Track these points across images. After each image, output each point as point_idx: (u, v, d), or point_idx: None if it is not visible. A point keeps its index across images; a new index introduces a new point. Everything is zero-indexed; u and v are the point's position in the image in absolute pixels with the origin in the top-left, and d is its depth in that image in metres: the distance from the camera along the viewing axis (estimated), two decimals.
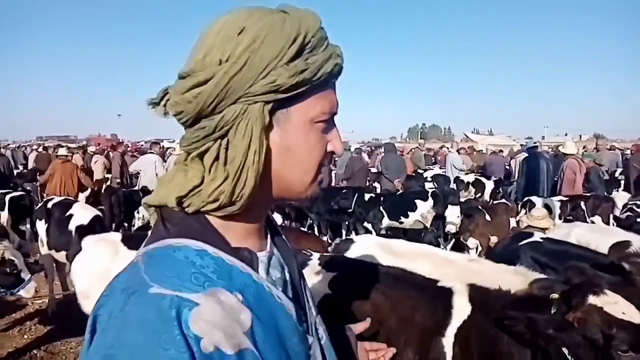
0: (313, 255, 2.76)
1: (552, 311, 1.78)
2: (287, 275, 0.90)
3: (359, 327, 1.37)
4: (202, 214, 0.79)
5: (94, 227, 5.49)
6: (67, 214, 5.73)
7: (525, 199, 7.62)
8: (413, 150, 17.88)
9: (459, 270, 2.61)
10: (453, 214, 7.21)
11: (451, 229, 7.24)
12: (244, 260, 0.79)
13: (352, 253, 3.36)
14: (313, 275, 2.53)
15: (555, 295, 1.79)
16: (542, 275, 2.23)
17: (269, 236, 0.92)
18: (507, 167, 14.53)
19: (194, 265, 0.72)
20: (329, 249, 4.98)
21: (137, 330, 0.63)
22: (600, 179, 9.93)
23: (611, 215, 7.53)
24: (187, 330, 0.64)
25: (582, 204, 7.49)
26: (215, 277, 0.72)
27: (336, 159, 11.29)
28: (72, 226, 5.61)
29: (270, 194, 0.83)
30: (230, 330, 0.68)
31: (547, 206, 7.12)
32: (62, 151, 9.84)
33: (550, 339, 1.73)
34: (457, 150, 14.31)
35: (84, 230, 5.37)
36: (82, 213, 5.76)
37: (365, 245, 3.43)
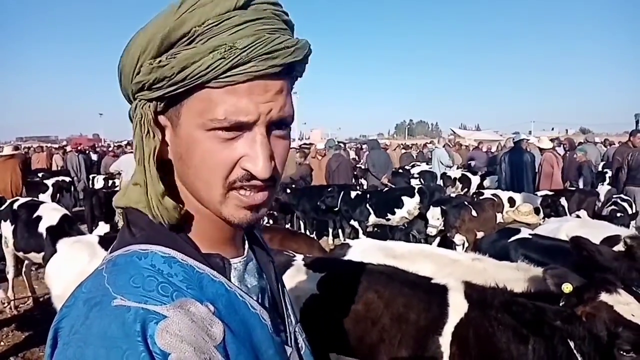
0: (297, 256, 2.69)
1: (561, 303, 1.77)
2: (265, 282, 0.85)
3: None
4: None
5: (63, 226, 5.45)
6: (35, 215, 5.70)
7: (508, 195, 7.62)
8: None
9: (464, 270, 2.57)
10: (433, 216, 7.15)
11: (431, 231, 7.20)
12: (216, 267, 0.73)
13: (350, 257, 3.27)
14: (299, 276, 2.47)
15: (568, 285, 1.78)
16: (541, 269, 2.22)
17: (246, 241, 0.86)
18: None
19: (161, 274, 0.67)
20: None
21: (98, 345, 0.58)
22: (592, 173, 10.05)
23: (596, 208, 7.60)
24: (153, 346, 0.59)
25: (567, 197, 7.53)
26: (184, 287, 0.67)
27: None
28: (42, 228, 5.56)
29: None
30: (201, 344, 0.63)
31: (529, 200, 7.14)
32: (6, 150, 9.74)
33: (556, 330, 1.72)
34: (444, 146, 14.34)
35: (54, 231, 5.33)
36: (50, 214, 5.69)
37: (363, 249, 3.35)
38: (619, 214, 6.75)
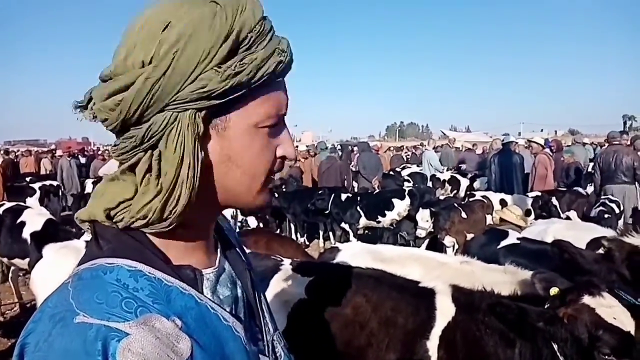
0: (284, 261, 2.68)
1: (546, 306, 1.78)
2: (240, 291, 0.83)
3: None
4: (137, 229, 0.71)
5: (48, 230, 5.42)
6: (19, 220, 5.66)
7: (499, 197, 7.66)
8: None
9: (452, 273, 2.58)
10: (422, 218, 7.17)
11: (420, 233, 7.21)
12: (186, 279, 0.71)
13: (340, 261, 3.26)
14: (287, 281, 2.45)
15: (555, 289, 1.80)
16: (529, 273, 2.22)
17: (219, 250, 0.84)
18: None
19: (127, 288, 0.65)
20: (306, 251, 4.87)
21: None
22: (580, 174, 10.13)
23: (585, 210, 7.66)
24: None
25: (558, 198, 7.58)
26: (150, 302, 0.65)
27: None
28: (26, 234, 5.53)
29: (216, 205, 0.76)
30: None
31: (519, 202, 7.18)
32: None
33: (539, 331, 1.73)
34: (441, 146, 14.38)
35: (38, 236, 5.31)
36: (34, 219, 5.65)
37: (353, 253, 3.34)
38: (606, 215, 6.82)
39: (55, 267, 3.86)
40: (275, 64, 0.69)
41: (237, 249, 0.91)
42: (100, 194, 0.73)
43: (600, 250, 2.35)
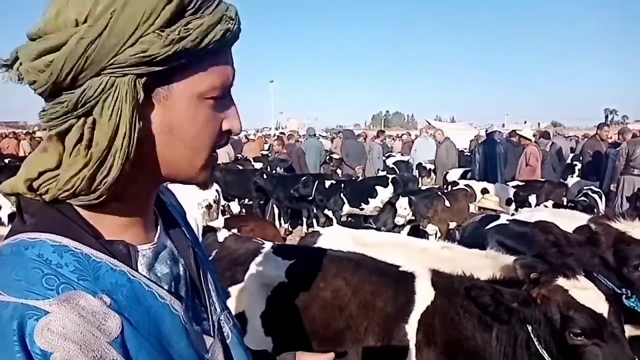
0: (265, 244, 2.66)
1: (523, 288, 1.80)
2: (182, 269, 0.79)
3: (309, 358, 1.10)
4: (65, 202, 0.67)
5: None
6: None
7: (482, 186, 7.73)
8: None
9: (433, 258, 2.58)
10: (401, 206, 7.21)
11: (399, 221, 7.26)
12: (118, 255, 0.67)
13: (321, 245, 3.20)
14: (267, 263, 2.44)
15: (536, 275, 1.81)
16: (511, 257, 2.24)
17: (160, 226, 0.80)
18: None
19: (49, 264, 0.60)
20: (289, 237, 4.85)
21: None
22: (559, 165, 10.27)
23: (565, 200, 7.77)
24: (32, 346, 0.54)
25: (537, 188, 7.69)
26: (74, 278, 0.61)
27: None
28: (3, 215, 5.44)
29: (156, 178, 0.72)
30: (90, 341, 0.58)
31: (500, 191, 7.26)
32: None
33: (513, 312, 1.74)
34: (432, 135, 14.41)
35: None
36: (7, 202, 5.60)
37: (334, 237, 3.31)
38: (584, 205, 6.89)
39: None
40: (223, 32, 0.65)
41: (182, 226, 0.87)
42: (25, 165, 0.69)
43: (592, 225, 2.34)
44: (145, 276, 0.69)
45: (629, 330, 1.97)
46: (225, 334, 0.83)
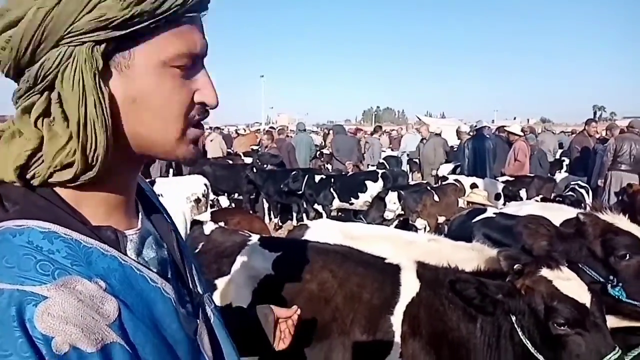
0: (252, 236, 2.65)
1: (507, 279, 1.81)
2: (166, 253, 0.79)
3: (281, 312, 1.29)
4: (50, 187, 0.65)
5: None
6: None
7: (471, 181, 7.77)
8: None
9: (420, 250, 2.58)
10: (390, 201, 7.23)
11: (388, 215, 7.28)
12: (107, 240, 0.67)
13: (309, 238, 3.19)
14: (254, 256, 2.43)
15: (520, 266, 1.81)
16: (496, 250, 2.24)
17: (141, 212, 0.79)
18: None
19: (40, 251, 0.59)
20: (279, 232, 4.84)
21: None
22: (546, 160, 10.34)
23: (552, 195, 7.84)
24: (32, 330, 0.54)
25: (526, 183, 7.75)
26: (68, 264, 0.60)
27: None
28: None
29: (132, 155, 0.70)
30: (90, 324, 0.58)
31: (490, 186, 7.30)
32: None
33: (498, 304, 1.75)
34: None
35: None
36: None
37: (322, 230, 3.29)
38: (572, 200, 6.95)
39: None
40: None
41: (161, 210, 0.87)
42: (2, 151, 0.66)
43: (580, 216, 2.35)
44: (135, 260, 0.70)
45: (613, 322, 1.99)
46: (208, 315, 0.83)
